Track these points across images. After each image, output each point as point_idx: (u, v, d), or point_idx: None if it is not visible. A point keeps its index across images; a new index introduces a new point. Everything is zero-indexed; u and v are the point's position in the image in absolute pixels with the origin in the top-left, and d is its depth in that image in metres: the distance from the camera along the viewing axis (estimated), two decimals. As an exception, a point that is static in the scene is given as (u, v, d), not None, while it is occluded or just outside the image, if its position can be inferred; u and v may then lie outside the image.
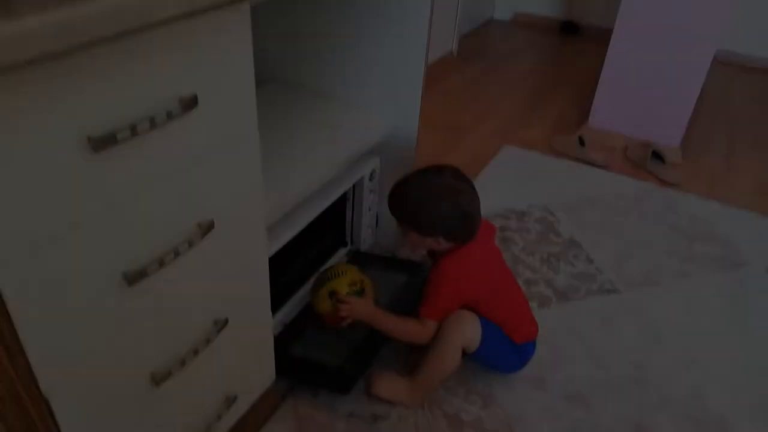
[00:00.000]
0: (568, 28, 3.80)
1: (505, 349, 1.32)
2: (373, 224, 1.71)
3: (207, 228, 0.86)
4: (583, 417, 1.30)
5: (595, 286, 1.68)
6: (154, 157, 0.74)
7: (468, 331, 1.26)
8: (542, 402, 1.33)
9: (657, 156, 2.27)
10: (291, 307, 1.47)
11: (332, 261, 1.62)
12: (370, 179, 1.58)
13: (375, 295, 1.38)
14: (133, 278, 0.75)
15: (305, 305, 1.48)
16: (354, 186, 1.57)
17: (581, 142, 2.34)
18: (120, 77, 0.66)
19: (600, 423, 1.29)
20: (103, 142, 0.65)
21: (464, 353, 1.30)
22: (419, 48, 1.41)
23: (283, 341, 1.38)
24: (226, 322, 0.98)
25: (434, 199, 1.22)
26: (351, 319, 1.29)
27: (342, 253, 1.65)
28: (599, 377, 1.40)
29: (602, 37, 2.57)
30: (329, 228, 1.63)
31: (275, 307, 1.42)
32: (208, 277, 0.92)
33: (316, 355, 1.35)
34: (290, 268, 1.51)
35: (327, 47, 1.54)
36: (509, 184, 2.14)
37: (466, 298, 1.26)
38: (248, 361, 1.13)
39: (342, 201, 1.60)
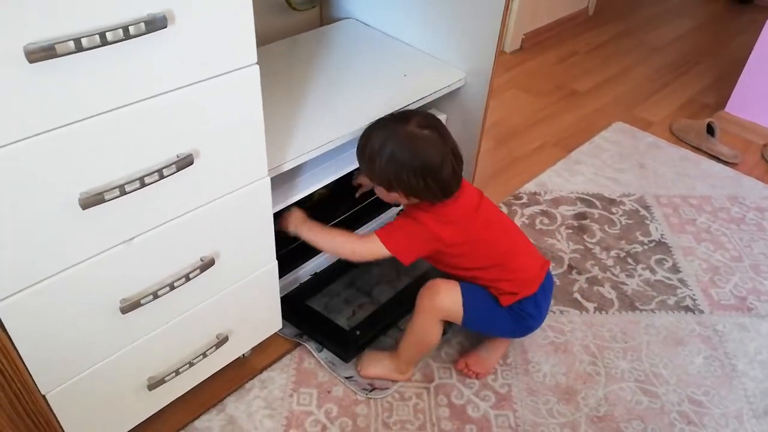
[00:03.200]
0: (740, -5, 3.24)
1: (504, 317, 1.16)
2: (432, 186, 1.58)
3: (187, 163, 0.81)
4: (607, 445, 1.14)
5: (672, 300, 1.44)
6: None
7: (442, 301, 1.13)
8: (564, 418, 1.18)
9: (803, 160, 1.88)
10: (326, 258, 1.41)
11: (383, 218, 1.53)
12: (431, 137, 1.44)
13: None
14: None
15: (340, 260, 1.42)
16: (412, 142, 1.45)
17: (710, 130, 1.99)
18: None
19: (626, 457, 1.12)
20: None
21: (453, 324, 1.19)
22: (497, 3, 1.23)
23: (304, 291, 1.34)
24: (212, 262, 0.95)
25: (389, 147, 1.05)
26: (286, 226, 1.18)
27: (394, 211, 1.56)
28: (643, 405, 1.21)
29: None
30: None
31: (310, 253, 1.38)
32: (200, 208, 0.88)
33: (330, 312, 1.30)
34: (331, 216, 1.45)
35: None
36: (606, 165, 1.88)
37: (437, 244, 1.10)
38: (246, 305, 1.10)
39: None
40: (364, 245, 1.12)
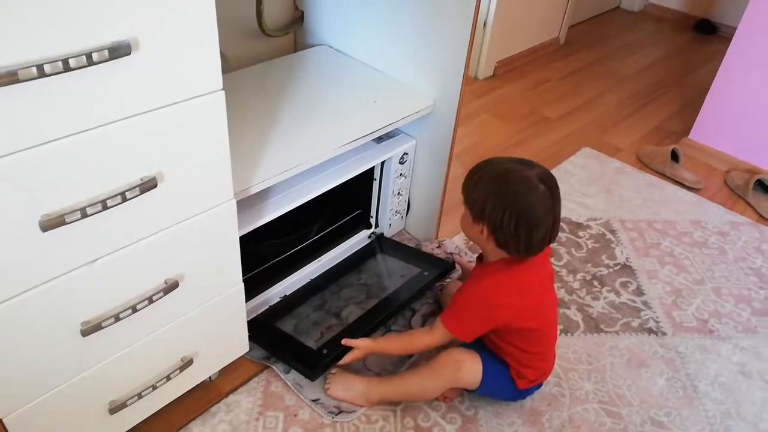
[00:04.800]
0: (704, 27, 3.35)
1: (505, 391, 1.20)
2: (403, 211, 1.61)
3: (150, 186, 0.81)
4: (571, 467, 1.15)
5: (636, 323, 1.47)
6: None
7: (465, 376, 1.16)
8: (529, 438, 1.19)
9: (763, 186, 1.94)
10: (296, 280, 1.42)
11: (353, 240, 1.55)
12: (401, 162, 1.47)
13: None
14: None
15: (310, 283, 1.43)
16: (383, 166, 1.48)
17: (674, 156, 2.05)
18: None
19: (589, 478, 1.14)
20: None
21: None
22: (464, 32, 1.27)
23: (273, 313, 1.34)
24: (176, 284, 0.95)
25: (500, 182, 1.03)
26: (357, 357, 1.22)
27: (364, 234, 1.57)
28: (606, 426, 1.23)
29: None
30: (353, 206, 1.56)
31: (280, 275, 1.39)
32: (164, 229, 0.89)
33: (299, 334, 1.30)
34: (301, 238, 1.46)
35: (373, 18, 1.44)
36: (574, 190, 1.93)
37: (496, 324, 1.11)
38: (211, 328, 1.09)
39: (370, 180, 1.51)
40: (434, 336, 1.14)
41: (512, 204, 1.02)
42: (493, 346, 1.17)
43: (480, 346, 1.18)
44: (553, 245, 1.67)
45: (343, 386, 1.21)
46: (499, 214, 1.02)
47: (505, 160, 1.08)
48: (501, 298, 1.08)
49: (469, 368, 1.15)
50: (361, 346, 1.20)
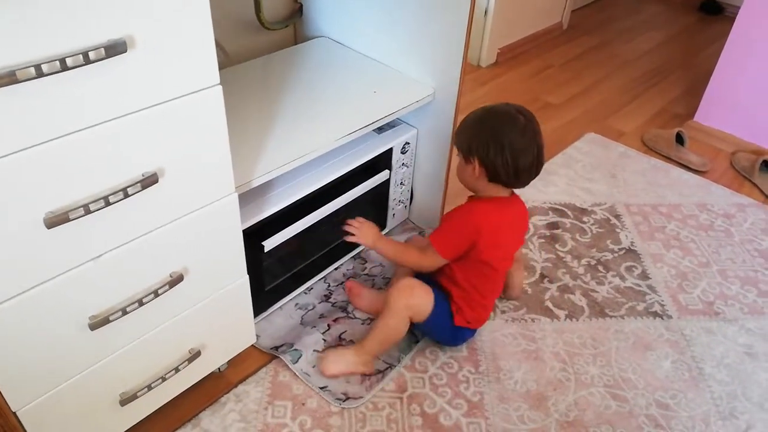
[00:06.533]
0: (710, 7, 3.32)
1: (446, 327, 1.27)
2: (406, 200, 1.61)
3: (152, 181, 0.83)
4: (576, 450, 1.16)
5: (641, 306, 1.47)
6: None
7: (417, 304, 1.22)
8: (535, 424, 1.20)
9: (769, 167, 1.93)
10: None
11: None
12: (402, 151, 1.48)
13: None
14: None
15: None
16: (384, 156, 1.48)
17: (679, 139, 2.04)
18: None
19: (594, 461, 1.14)
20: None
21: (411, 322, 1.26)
22: (461, 19, 1.27)
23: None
24: (181, 278, 0.96)
25: (482, 119, 1.16)
26: (356, 239, 1.30)
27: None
28: (612, 410, 1.23)
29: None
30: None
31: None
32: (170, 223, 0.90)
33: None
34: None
35: (372, 8, 1.44)
36: (579, 176, 1.92)
37: (473, 243, 1.17)
38: (218, 320, 1.11)
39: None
40: (426, 260, 1.23)
41: (496, 134, 1.12)
42: (445, 278, 1.24)
43: (431, 283, 1.25)
44: (557, 231, 1.68)
45: (335, 361, 1.24)
46: (484, 145, 1.13)
47: (488, 105, 1.19)
48: (486, 220, 1.17)
49: (421, 294, 1.21)
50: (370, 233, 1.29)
